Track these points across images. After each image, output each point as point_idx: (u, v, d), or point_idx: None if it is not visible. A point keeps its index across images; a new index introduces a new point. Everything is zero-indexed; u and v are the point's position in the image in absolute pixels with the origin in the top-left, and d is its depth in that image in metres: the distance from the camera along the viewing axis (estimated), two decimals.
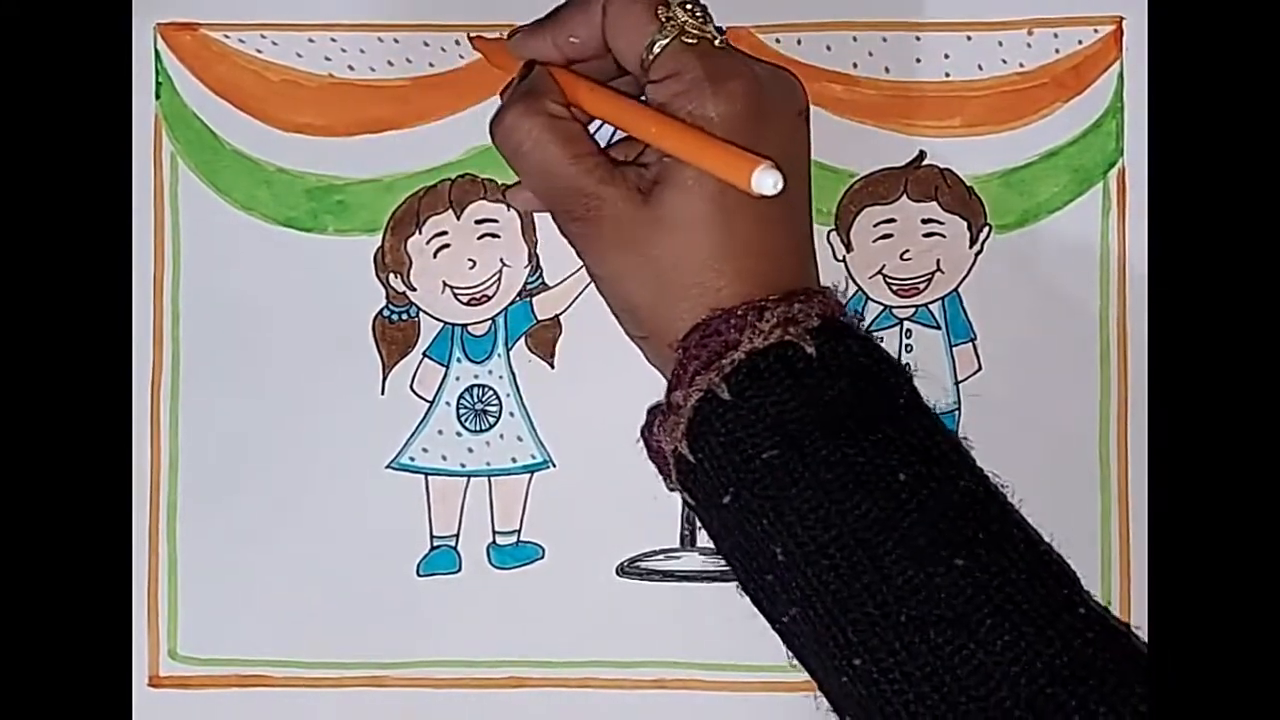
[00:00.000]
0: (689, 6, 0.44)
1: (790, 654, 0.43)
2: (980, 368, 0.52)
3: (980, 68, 0.52)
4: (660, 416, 0.44)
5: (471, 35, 0.52)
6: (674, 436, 0.42)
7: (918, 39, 0.51)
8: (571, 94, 0.46)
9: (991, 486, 0.42)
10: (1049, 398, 0.51)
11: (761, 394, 0.40)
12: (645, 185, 0.43)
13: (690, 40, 0.43)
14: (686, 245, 0.42)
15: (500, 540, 0.52)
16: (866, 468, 0.39)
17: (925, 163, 0.52)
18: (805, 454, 0.40)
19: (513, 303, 0.53)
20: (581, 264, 0.46)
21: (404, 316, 0.52)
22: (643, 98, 0.45)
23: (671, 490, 0.45)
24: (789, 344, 0.41)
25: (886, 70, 0.52)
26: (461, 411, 0.53)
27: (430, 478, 0.52)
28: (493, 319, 0.53)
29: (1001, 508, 0.41)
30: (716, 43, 0.44)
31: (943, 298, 0.52)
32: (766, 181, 0.39)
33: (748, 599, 0.43)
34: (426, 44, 0.52)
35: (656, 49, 0.43)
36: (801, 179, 0.46)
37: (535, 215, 0.52)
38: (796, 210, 0.45)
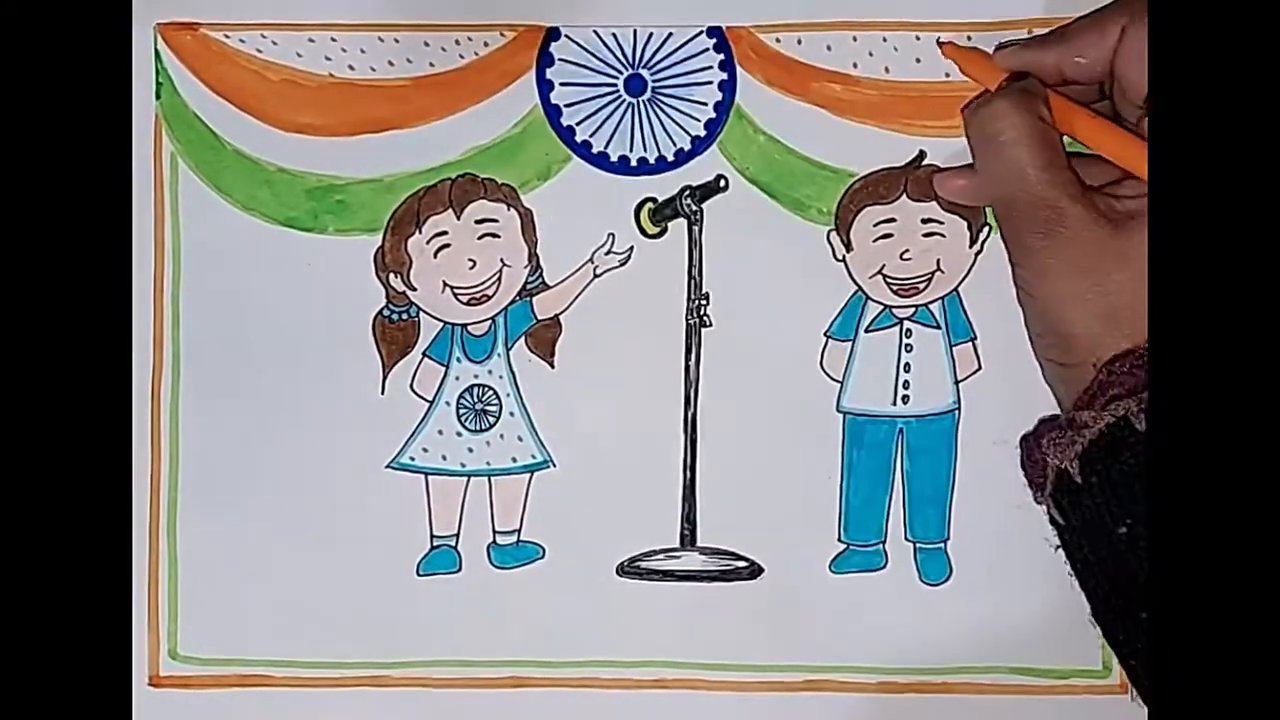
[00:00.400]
0: None
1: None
2: (980, 368, 0.52)
3: None
4: (1055, 430, 0.42)
5: (941, 40, 0.50)
6: (1065, 454, 0.41)
7: (918, 39, 0.51)
8: (1063, 117, 0.44)
9: None
10: (1049, 397, 0.51)
11: None
12: (1116, 215, 0.42)
13: None
14: None
15: (500, 540, 0.52)
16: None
17: (925, 163, 0.52)
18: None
19: (513, 302, 0.53)
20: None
21: (404, 316, 0.52)
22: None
23: (1039, 503, 0.44)
24: None
25: (886, 70, 0.52)
26: (461, 411, 0.53)
27: (430, 477, 0.52)
28: (493, 319, 0.53)
29: None
30: None
31: (943, 298, 0.52)
32: None
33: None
34: (426, 44, 0.52)
35: None
36: None
37: (535, 216, 0.52)
38: None
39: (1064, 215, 0.42)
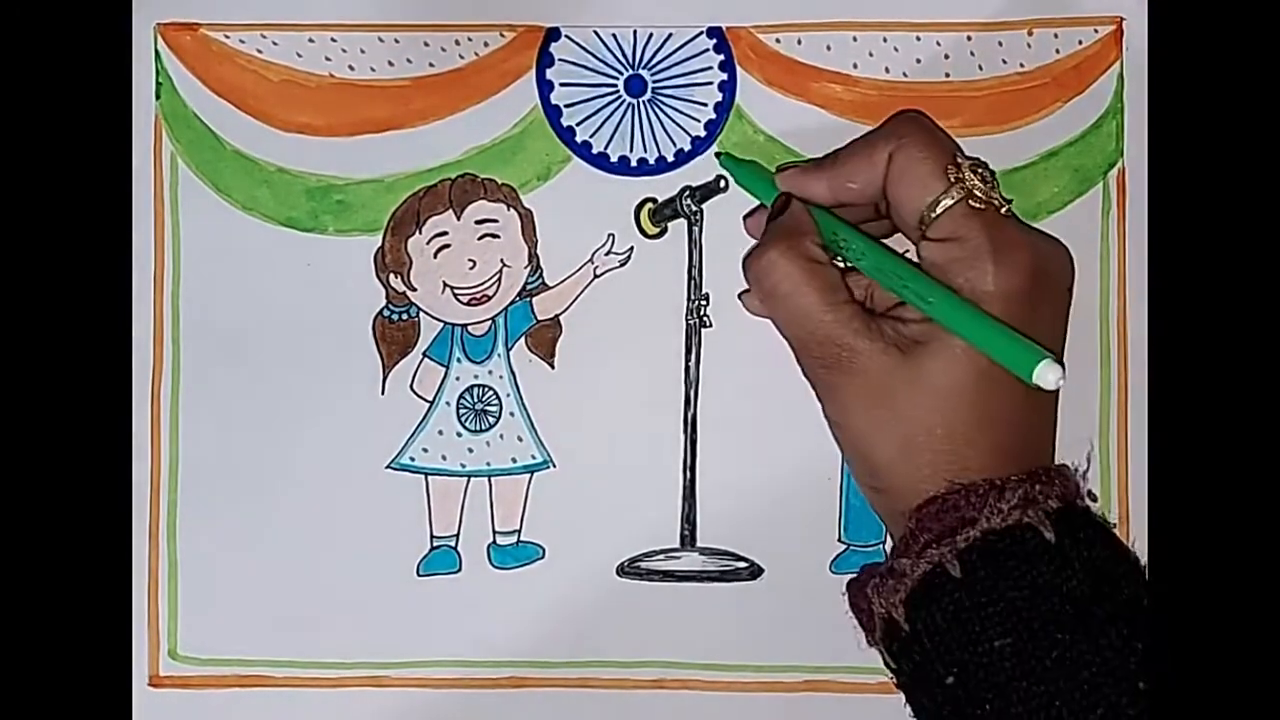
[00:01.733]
0: (979, 170, 0.43)
1: None
2: None
3: (980, 68, 0.52)
4: (878, 578, 0.42)
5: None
6: (890, 601, 0.41)
7: (918, 39, 0.51)
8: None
9: None
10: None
11: (995, 576, 0.39)
12: (904, 343, 0.42)
13: (977, 205, 0.42)
14: (943, 412, 0.41)
15: (500, 540, 0.52)
16: (1103, 670, 0.38)
17: None
18: (1040, 646, 0.38)
19: (513, 303, 0.53)
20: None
21: (404, 316, 0.52)
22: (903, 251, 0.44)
23: (870, 646, 0.44)
24: (1027, 527, 0.39)
25: (886, 70, 0.52)
26: (461, 411, 0.53)
27: (430, 478, 0.52)
28: (493, 319, 0.53)
29: None
30: (1003, 211, 0.43)
31: None
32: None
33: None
34: (426, 44, 0.52)
35: (940, 209, 0.42)
36: (1060, 353, 0.45)
37: (535, 216, 0.52)
38: None
39: (854, 351, 0.42)
